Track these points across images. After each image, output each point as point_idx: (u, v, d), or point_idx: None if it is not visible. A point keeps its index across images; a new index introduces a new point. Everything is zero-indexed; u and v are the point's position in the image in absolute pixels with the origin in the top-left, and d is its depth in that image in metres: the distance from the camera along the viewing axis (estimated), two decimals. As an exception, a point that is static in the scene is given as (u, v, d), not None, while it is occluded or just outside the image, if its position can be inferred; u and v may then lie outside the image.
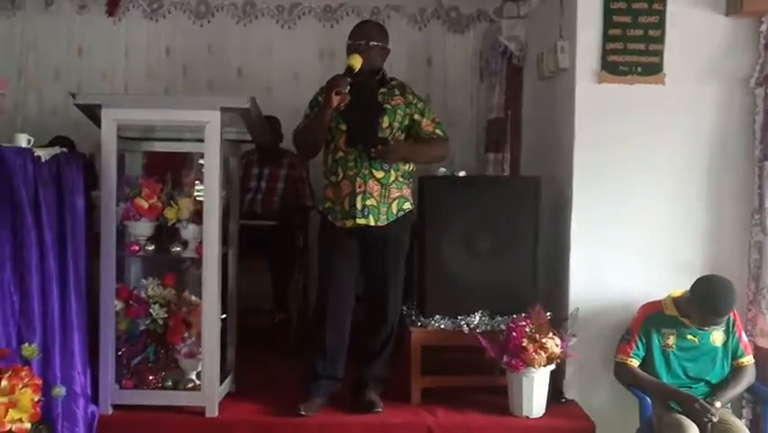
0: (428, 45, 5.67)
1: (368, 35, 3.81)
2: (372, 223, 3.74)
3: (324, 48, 5.59)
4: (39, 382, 2.87)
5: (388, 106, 3.80)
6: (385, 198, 3.77)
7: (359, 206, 3.72)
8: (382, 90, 3.84)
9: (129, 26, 5.59)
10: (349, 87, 3.64)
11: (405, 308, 4.00)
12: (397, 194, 3.80)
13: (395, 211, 3.79)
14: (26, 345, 2.96)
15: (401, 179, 3.82)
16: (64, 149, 3.43)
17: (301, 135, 3.90)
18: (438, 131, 3.89)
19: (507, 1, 5.12)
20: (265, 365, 4.37)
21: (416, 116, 3.85)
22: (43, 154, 3.23)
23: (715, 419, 3.38)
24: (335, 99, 3.64)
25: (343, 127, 3.77)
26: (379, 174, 3.75)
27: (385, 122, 3.77)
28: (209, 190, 3.59)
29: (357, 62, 3.70)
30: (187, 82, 5.59)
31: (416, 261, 4.04)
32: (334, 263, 3.83)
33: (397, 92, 3.86)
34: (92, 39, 5.59)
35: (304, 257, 5.14)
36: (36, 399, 2.80)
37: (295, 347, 4.71)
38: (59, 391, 3.05)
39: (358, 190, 3.72)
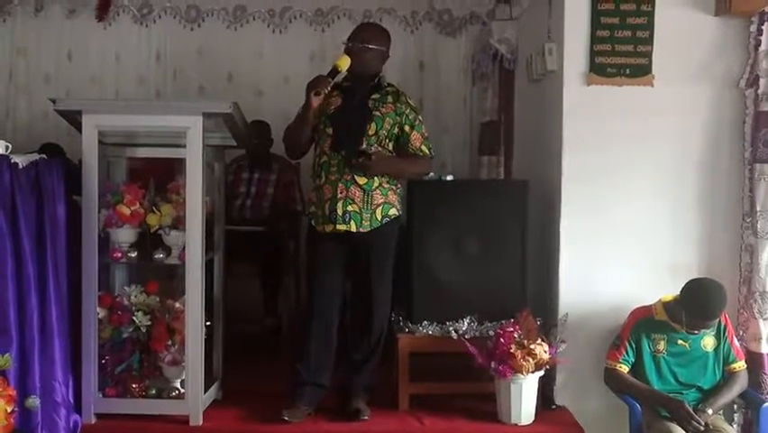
0: (420, 48, 5.62)
1: (362, 37, 3.75)
2: (354, 229, 3.69)
3: (316, 51, 5.54)
4: (13, 392, 2.84)
5: (378, 114, 3.74)
6: (368, 204, 3.71)
7: (339, 211, 3.66)
8: (374, 96, 3.78)
9: (119, 31, 5.55)
10: (329, 89, 3.62)
11: (393, 315, 3.95)
12: (382, 200, 3.74)
13: (379, 217, 3.73)
14: (-1, 355, 2.93)
15: (386, 186, 3.76)
16: (43, 155, 3.40)
17: (285, 135, 3.89)
18: (425, 148, 3.82)
19: (500, 3, 5.08)
20: (254, 372, 4.31)
21: (406, 127, 3.78)
22: (21, 161, 3.19)
23: (701, 429, 3.33)
24: (314, 100, 3.60)
25: (330, 131, 3.73)
26: (362, 180, 3.69)
27: (372, 129, 3.72)
28: (192, 196, 3.55)
29: (344, 63, 3.66)
30: (177, 87, 5.55)
31: (404, 266, 3.98)
32: (319, 269, 3.80)
33: (389, 99, 3.79)
34: (82, 44, 5.55)
35: (295, 262, 5.10)
36: (9, 409, 2.77)
37: (285, 353, 4.67)
38: (33, 402, 3.01)
39: (339, 196, 3.67)
